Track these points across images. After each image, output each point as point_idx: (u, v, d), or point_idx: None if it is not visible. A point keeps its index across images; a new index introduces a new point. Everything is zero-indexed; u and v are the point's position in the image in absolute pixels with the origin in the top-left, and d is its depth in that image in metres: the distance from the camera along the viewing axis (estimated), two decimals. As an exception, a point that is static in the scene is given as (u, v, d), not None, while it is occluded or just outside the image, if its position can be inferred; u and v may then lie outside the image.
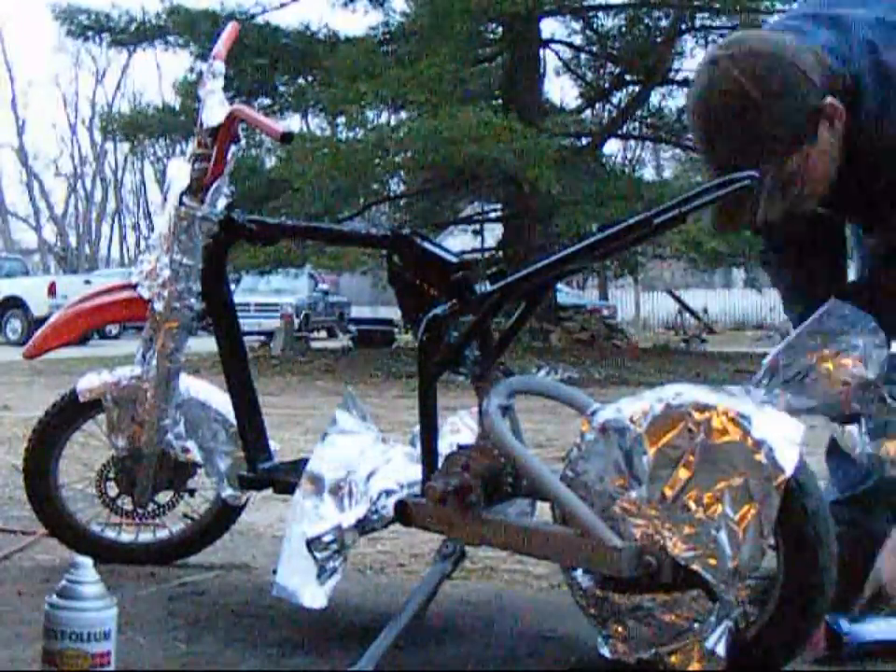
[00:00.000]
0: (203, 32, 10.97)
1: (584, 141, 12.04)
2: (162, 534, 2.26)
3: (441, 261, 1.73)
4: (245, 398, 2.01)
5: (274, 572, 1.72)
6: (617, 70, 12.38)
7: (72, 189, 37.98)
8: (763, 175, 1.48)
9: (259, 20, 11.81)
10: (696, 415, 1.43)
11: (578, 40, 12.56)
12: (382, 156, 9.56)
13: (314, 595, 1.65)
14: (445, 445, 1.71)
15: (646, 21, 11.65)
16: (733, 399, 1.45)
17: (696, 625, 1.45)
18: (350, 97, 9.52)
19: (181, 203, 1.95)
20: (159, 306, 1.98)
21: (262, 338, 13.66)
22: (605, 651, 1.55)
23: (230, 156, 1.97)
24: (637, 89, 12.11)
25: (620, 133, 13.01)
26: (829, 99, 1.51)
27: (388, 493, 1.70)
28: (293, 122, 12.63)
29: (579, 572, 1.57)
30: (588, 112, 13.17)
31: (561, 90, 24.90)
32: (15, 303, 15.94)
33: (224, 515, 2.21)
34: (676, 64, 11.98)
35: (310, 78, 11.71)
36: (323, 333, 20.35)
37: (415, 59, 9.70)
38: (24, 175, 36.66)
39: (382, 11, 12.37)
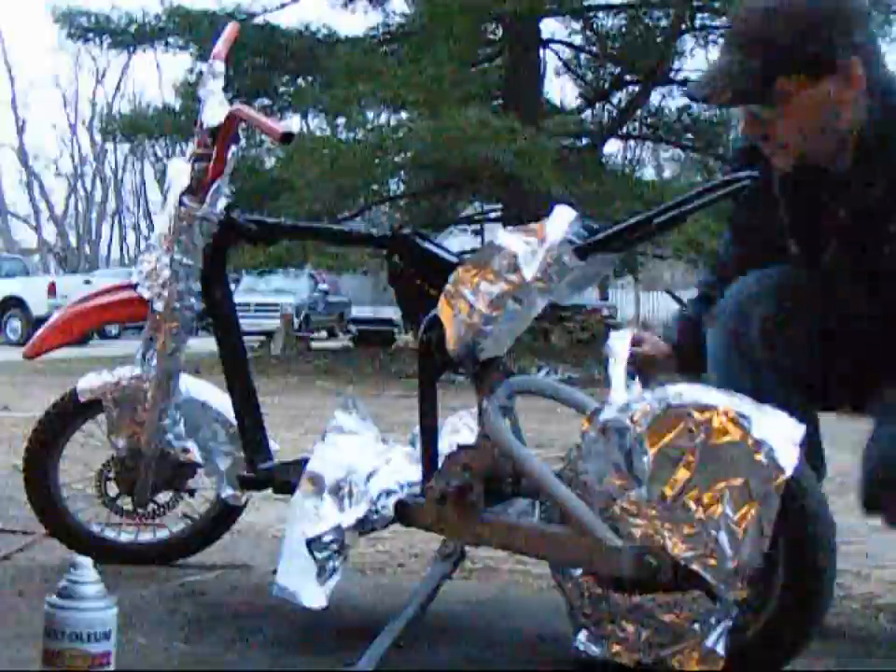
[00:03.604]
0: (202, 32, 10.97)
1: (584, 141, 12.04)
2: (162, 534, 2.26)
3: (441, 261, 1.73)
4: (245, 398, 2.01)
5: (274, 572, 1.72)
6: (617, 70, 12.38)
7: (72, 189, 38.00)
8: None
9: (259, 20, 11.82)
10: (697, 415, 1.42)
11: (578, 40, 12.57)
12: (381, 156, 9.56)
13: (314, 595, 1.65)
14: (445, 445, 1.71)
15: (646, 20, 11.66)
16: (734, 398, 1.45)
17: (696, 626, 1.45)
18: (350, 97, 9.53)
19: (181, 203, 1.95)
20: (159, 306, 1.98)
21: (262, 338, 13.66)
22: (594, 651, 1.55)
23: (230, 156, 1.96)
24: (636, 89, 12.11)
25: (620, 133, 13.01)
26: (853, 59, 1.54)
27: (388, 493, 1.70)
28: (293, 123, 12.61)
29: (577, 572, 1.57)
30: (588, 112, 13.16)
31: (561, 90, 24.88)
32: (15, 303, 15.95)
33: (224, 515, 2.22)
34: (676, 64, 11.99)
35: (310, 79, 11.72)
36: (323, 333, 20.36)
37: (415, 59, 9.71)
38: (24, 175, 36.67)
39: (381, 12, 12.38)
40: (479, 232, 15.20)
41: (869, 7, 1.70)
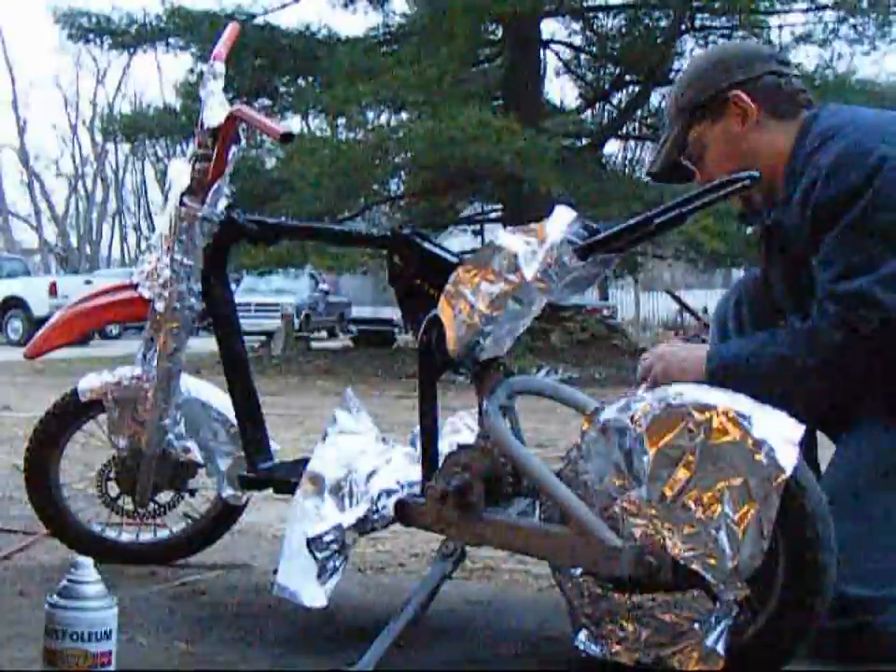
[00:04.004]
0: (203, 33, 10.97)
1: (584, 141, 12.04)
2: (163, 534, 2.26)
3: (441, 261, 1.73)
4: (246, 398, 2.01)
5: (275, 572, 1.72)
6: (617, 70, 12.38)
7: (73, 189, 38.00)
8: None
9: (260, 20, 11.82)
10: (696, 415, 1.43)
11: (578, 41, 12.58)
12: (382, 156, 9.57)
13: (314, 595, 1.65)
14: (445, 445, 1.72)
15: (646, 21, 11.66)
16: (733, 398, 1.45)
17: (696, 625, 1.46)
18: (350, 97, 9.53)
19: (182, 203, 1.95)
20: (160, 306, 1.98)
21: (263, 338, 13.67)
22: (594, 651, 1.55)
23: (230, 156, 1.97)
24: (637, 89, 12.11)
25: (620, 133, 13.01)
26: (735, 90, 1.78)
27: (388, 493, 1.70)
28: (293, 123, 12.63)
29: (577, 572, 1.57)
30: (588, 112, 13.16)
31: (561, 90, 24.89)
32: (16, 303, 15.96)
33: (225, 515, 2.22)
34: (676, 64, 11.97)
35: (310, 79, 11.72)
36: (323, 333, 20.37)
37: (415, 59, 9.71)
38: (25, 176, 36.67)
39: (382, 12, 12.38)
40: (479, 232, 15.21)
41: (761, 51, 1.91)
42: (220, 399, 2.12)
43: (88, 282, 15.13)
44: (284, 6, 12.07)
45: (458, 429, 1.87)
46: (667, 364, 1.74)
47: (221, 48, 2.07)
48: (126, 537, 2.26)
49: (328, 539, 1.67)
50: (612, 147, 13.17)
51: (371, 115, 10.73)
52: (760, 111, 1.79)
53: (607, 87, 12.63)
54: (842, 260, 1.62)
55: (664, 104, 1.97)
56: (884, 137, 1.65)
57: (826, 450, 1.83)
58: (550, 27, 12.44)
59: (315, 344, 14.33)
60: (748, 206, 1.86)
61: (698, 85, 1.83)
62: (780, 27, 11.61)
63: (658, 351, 1.79)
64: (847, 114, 1.76)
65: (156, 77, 60.16)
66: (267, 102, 11.76)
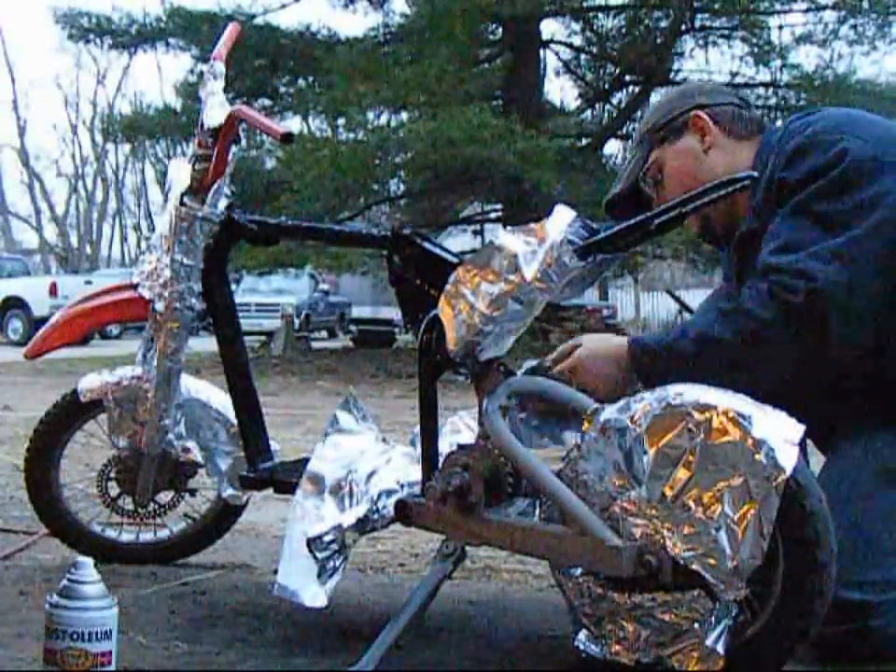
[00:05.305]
0: (203, 33, 10.98)
1: (584, 141, 12.05)
2: (163, 534, 2.26)
3: (441, 261, 1.73)
4: (246, 398, 2.01)
5: (275, 572, 1.72)
6: (617, 71, 12.38)
7: (73, 189, 38.00)
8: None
9: (260, 21, 11.83)
10: (696, 415, 1.43)
11: (578, 41, 12.58)
12: (382, 157, 9.57)
13: (314, 595, 1.65)
14: (445, 445, 1.72)
15: (646, 21, 11.66)
16: (733, 398, 1.45)
17: (696, 625, 1.45)
18: (350, 98, 9.53)
19: (182, 203, 1.95)
20: (160, 306, 1.98)
21: (263, 338, 13.68)
22: (594, 651, 1.55)
23: (230, 156, 1.97)
24: (636, 89, 12.12)
25: (620, 133, 13.01)
26: (695, 111, 1.86)
27: (388, 493, 1.70)
28: (294, 123, 12.64)
29: (577, 572, 1.57)
30: (588, 113, 13.17)
31: (561, 90, 24.95)
32: (16, 303, 15.98)
33: (225, 515, 2.22)
34: (676, 65, 11.99)
35: (310, 79, 11.73)
36: (324, 333, 20.39)
37: (415, 60, 9.72)
38: (26, 176, 36.69)
39: (382, 12, 12.39)
40: (479, 232, 15.23)
41: (724, 88, 2.01)
42: (220, 399, 2.12)
43: (88, 282, 15.15)
44: (284, 6, 12.09)
45: (458, 429, 1.87)
46: (591, 350, 1.73)
47: (221, 48, 2.07)
48: (126, 537, 2.26)
49: (328, 538, 1.67)
50: (612, 147, 13.17)
51: (371, 115, 10.73)
52: (719, 131, 1.84)
53: (607, 87, 12.63)
54: (783, 237, 1.63)
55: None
56: (848, 132, 1.67)
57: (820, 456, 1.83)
58: (550, 27, 12.46)
59: (315, 344, 14.34)
60: (704, 228, 1.88)
61: (660, 111, 1.91)
62: (780, 27, 11.62)
63: (582, 337, 1.78)
64: (811, 116, 1.78)
65: (156, 77, 60.21)
66: (267, 102, 11.77)
